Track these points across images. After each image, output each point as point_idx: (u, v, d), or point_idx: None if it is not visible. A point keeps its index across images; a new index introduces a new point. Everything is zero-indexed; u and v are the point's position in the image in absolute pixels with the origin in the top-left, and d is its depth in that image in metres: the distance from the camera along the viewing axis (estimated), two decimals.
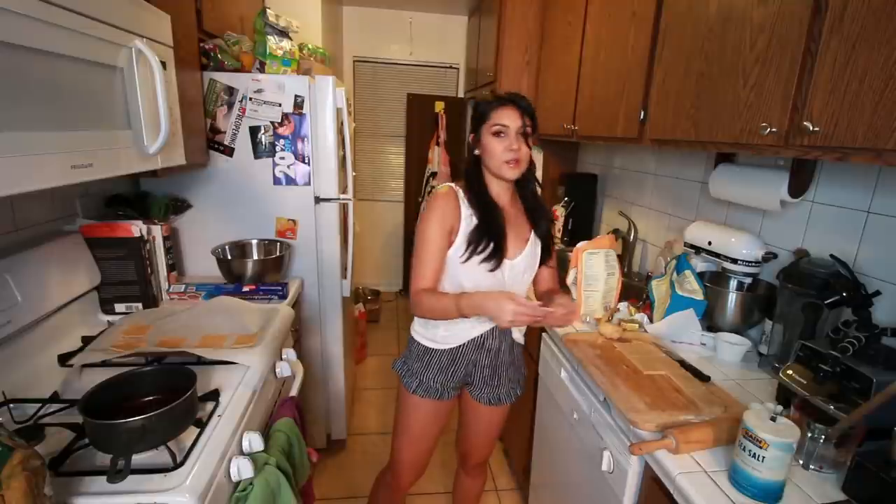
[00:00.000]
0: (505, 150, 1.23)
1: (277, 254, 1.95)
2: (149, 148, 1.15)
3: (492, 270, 1.28)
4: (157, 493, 0.85)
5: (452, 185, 1.33)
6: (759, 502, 0.88)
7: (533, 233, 1.36)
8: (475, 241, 1.26)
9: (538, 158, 2.85)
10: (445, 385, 1.39)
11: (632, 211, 2.31)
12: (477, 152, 1.30)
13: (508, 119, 1.23)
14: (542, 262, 1.39)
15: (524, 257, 1.33)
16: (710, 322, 1.55)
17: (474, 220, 1.28)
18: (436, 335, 1.37)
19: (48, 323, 1.30)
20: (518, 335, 1.43)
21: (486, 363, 1.39)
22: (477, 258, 1.27)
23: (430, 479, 2.27)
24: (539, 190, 1.42)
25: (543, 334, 1.74)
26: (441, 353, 1.37)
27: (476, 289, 1.28)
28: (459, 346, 1.36)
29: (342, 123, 2.05)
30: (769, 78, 1.09)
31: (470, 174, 1.32)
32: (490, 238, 1.27)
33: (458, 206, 1.28)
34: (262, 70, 1.89)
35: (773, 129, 1.06)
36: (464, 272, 1.29)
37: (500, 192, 1.33)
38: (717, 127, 1.26)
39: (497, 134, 1.24)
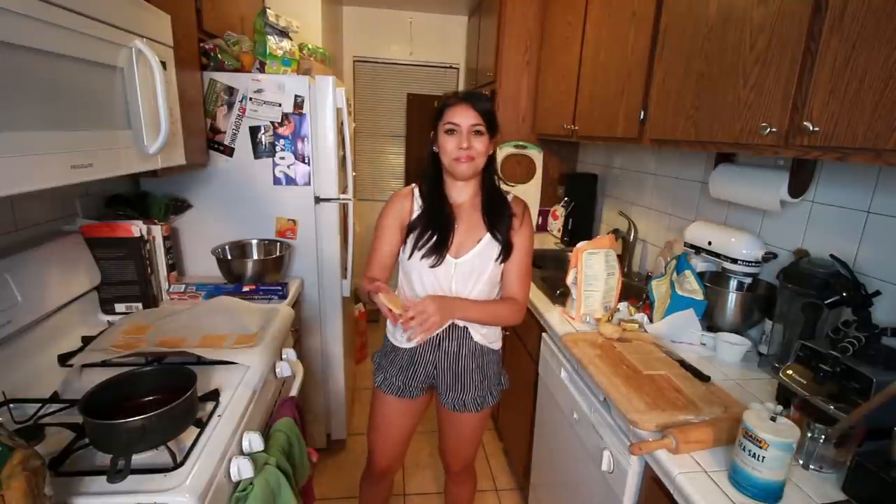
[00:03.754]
0: (455, 147, 1.26)
1: (277, 254, 1.95)
2: (149, 148, 1.15)
3: (433, 266, 1.30)
4: (157, 493, 0.85)
5: (414, 185, 1.39)
6: (759, 502, 0.88)
7: (489, 235, 1.33)
8: (417, 230, 1.31)
9: (538, 158, 2.85)
10: (407, 383, 1.41)
11: (632, 211, 2.31)
12: (435, 149, 1.32)
13: (460, 117, 1.25)
14: (504, 260, 1.34)
15: (472, 257, 1.32)
16: (710, 322, 1.55)
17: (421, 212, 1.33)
18: (396, 333, 1.42)
19: (48, 323, 1.30)
20: (480, 338, 1.39)
21: (447, 366, 1.39)
22: (418, 253, 1.30)
23: (427, 479, 2.27)
24: (502, 185, 1.39)
25: (543, 334, 1.74)
26: (403, 351, 1.41)
27: (422, 286, 1.33)
28: (416, 346, 1.38)
29: (342, 123, 2.05)
30: (769, 78, 1.09)
31: (426, 171, 1.37)
32: (433, 230, 1.30)
33: (413, 202, 1.36)
34: (262, 70, 1.89)
35: (773, 129, 1.06)
36: (412, 268, 1.33)
37: (458, 191, 1.36)
38: (717, 127, 1.26)
39: (449, 132, 1.27)
